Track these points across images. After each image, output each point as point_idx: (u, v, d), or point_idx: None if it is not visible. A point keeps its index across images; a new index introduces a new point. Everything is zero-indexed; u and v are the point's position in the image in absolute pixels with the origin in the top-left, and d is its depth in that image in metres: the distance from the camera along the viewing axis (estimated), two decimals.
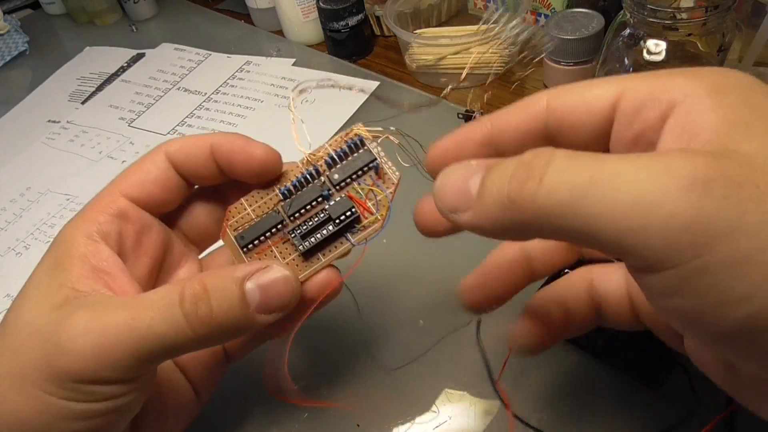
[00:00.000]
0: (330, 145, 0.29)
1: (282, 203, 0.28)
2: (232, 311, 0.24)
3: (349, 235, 0.28)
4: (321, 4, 0.64)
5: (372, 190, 0.28)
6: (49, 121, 0.67)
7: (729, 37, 0.43)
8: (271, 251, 0.28)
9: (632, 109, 0.20)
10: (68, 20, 0.87)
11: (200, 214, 0.31)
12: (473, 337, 0.32)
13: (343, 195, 0.28)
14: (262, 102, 0.63)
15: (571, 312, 0.27)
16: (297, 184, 0.28)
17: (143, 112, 0.66)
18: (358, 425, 0.35)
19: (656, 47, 0.45)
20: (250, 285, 0.24)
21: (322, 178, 0.28)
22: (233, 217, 0.29)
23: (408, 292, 0.41)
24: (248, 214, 0.28)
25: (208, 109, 0.64)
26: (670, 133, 0.18)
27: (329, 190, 0.28)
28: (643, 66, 0.46)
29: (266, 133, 0.59)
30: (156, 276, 0.29)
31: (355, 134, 0.28)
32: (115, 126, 0.65)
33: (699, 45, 0.44)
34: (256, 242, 0.28)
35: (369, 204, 0.28)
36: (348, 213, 0.27)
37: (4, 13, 0.84)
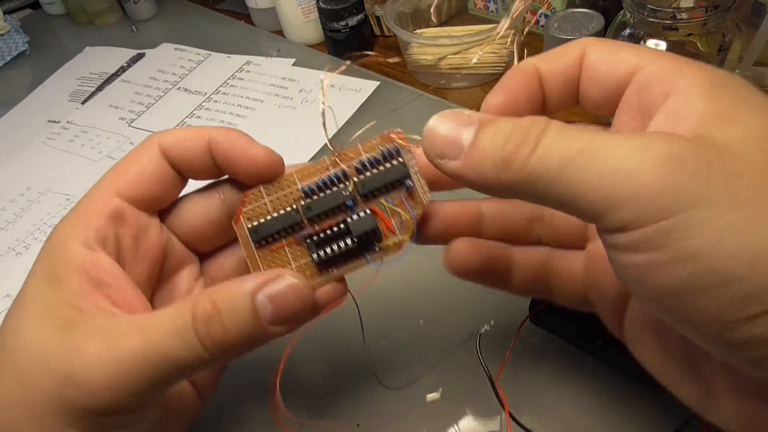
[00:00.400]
0: (363, 148, 0.26)
1: (302, 201, 0.26)
2: (246, 327, 0.23)
3: (366, 253, 0.26)
4: (321, 4, 0.64)
5: (399, 212, 0.26)
6: (49, 121, 0.67)
7: (729, 37, 0.43)
8: (284, 251, 0.26)
9: (645, 81, 0.21)
10: (68, 20, 0.87)
11: (196, 216, 0.29)
12: (473, 349, 0.32)
13: (367, 210, 0.26)
14: (262, 102, 0.63)
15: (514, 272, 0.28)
16: (322, 185, 0.26)
17: (143, 112, 0.66)
18: (357, 425, 0.35)
19: (656, 47, 0.45)
20: (260, 298, 0.23)
21: (349, 185, 0.26)
22: (249, 204, 0.27)
23: (409, 295, 0.41)
24: (265, 204, 0.27)
25: (208, 109, 0.64)
26: (664, 112, 0.20)
27: (354, 199, 0.26)
28: None
29: (266, 133, 0.60)
30: (156, 280, 0.28)
31: (392, 143, 0.26)
32: (115, 126, 0.65)
33: (699, 45, 0.44)
34: (269, 239, 0.26)
35: (393, 222, 0.26)
36: (370, 233, 0.25)
37: (4, 13, 0.84)
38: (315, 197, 0.26)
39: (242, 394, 0.38)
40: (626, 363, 0.33)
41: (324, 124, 0.26)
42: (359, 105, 0.59)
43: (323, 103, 0.27)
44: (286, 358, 0.28)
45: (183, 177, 0.28)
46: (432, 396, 0.35)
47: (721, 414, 0.22)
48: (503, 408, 0.29)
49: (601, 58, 0.23)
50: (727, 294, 0.17)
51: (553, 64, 0.24)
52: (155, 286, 0.29)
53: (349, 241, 0.26)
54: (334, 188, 0.26)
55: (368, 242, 0.26)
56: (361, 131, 0.27)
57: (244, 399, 0.37)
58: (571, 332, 0.35)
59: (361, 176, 0.26)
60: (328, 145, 0.26)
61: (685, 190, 0.17)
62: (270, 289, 0.23)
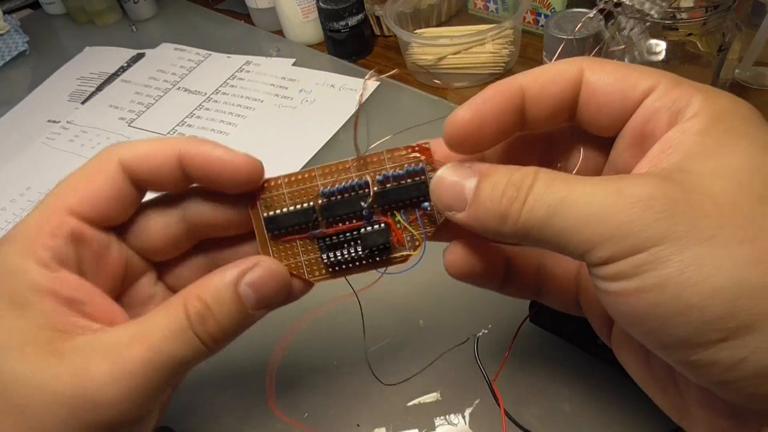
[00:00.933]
0: (390, 158, 0.26)
1: (320, 200, 0.27)
2: (234, 317, 0.24)
3: (373, 261, 0.27)
4: (321, 4, 0.64)
5: (408, 228, 0.27)
6: (49, 121, 0.67)
7: (729, 37, 0.43)
8: (296, 244, 0.27)
9: (654, 108, 0.22)
10: (68, 20, 0.87)
11: (155, 232, 0.28)
12: (471, 353, 0.32)
13: (382, 224, 0.26)
14: (262, 102, 0.63)
15: (511, 268, 0.28)
16: (343, 190, 0.26)
17: (143, 112, 0.66)
18: (358, 425, 0.35)
19: (656, 47, 0.45)
20: (242, 287, 0.24)
21: (369, 194, 0.26)
22: (268, 192, 0.27)
23: (411, 296, 0.41)
24: (282, 194, 0.27)
25: (208, 109, 0.64)
26: (660, 144, 0.22)
27: (372, 211, 0.26)
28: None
29: (266, 133, 0.60)
30: (117, 291, 0.28)
31: (419, 160, 0.26)
32: (115, 126, 0.65)
33: (699, 45, 0.44)
34: (283, 231, 0.27)
35: (404, 236, 0.27)
36: (381, 247, 0.26)
37: (4, 13, 0.84)
38: (333, 199, 0.26)
39: (242, 390, 0.38)
40: None
41: (356, 128, 0.27)
42: (359, 105, 0.59)
43: (359, 108, 0.28)
44: (282, 354, 0.28)
45: (141, 191, 0.27)
46: (431, 396, 0.35)
47: (695, 428, 0.23)
48: (500, 408, 0.29)
49: (610, 84, 0.23)
50: (689, 321, 0.18)
51: (544, 85, 0.24)
52: (117, 296, 0.28)
53: (359, 249, 0.27)
54: (354, 194, 0.26)
55: (377, 253, 0.27)
56: (387, 138, 0.27)
57: (245, 398, 0.37)
58: (571, 332, 0.35)
59: (383, 186, 0.26)
60: (356, 148, 0.26)
61: (652, 229, 0.19)
62: (250, 277, 0.24)
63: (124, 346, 0.22)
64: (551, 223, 0.20)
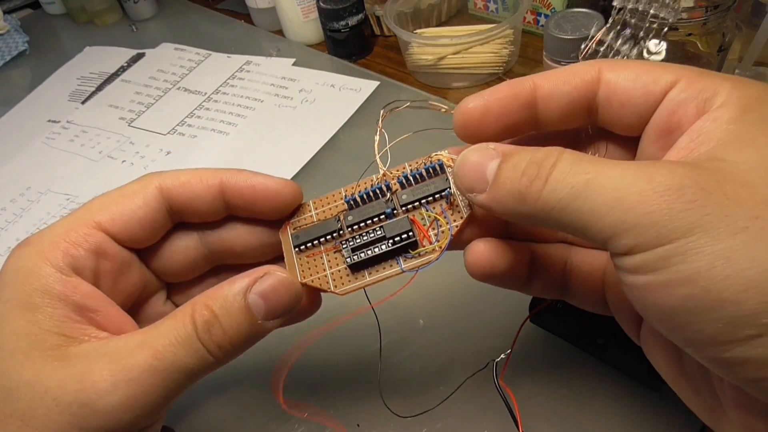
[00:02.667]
0: (409, 165, 0.27)
1: (345, 212, 0.27)
2: (243, 327, 0.24)
3: (400, 259, 0.26)
4: (321, 4, 0.64)
5: (437, 218, 0.26)
6: (49, 120, 0.67)
7: (729, 37, 0.43)
8: (321, 258, 0.27)
9: (680, 100, 0.22)
10: (68, 20, 0.87)
11: (176, 255, 0.28)
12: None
13: (406, 217, 0.26)
14: (262, 102, 0.63)
15: (537, 269, 0.27)
16: (365, 195, 0.27)
17: (143, 111, 0.66)
18: (358, 425, 0.35)
19: (656, 47, 0.45)
20: (252, 297, 0.24)
21: (391, 197, 0.27)
22: (297, 216, 0.28)
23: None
24: (311, 216, 0.28)
25: (208, 108, 0.64)
26: (690, 133, 0.21)
27: (394, 208, 0.26)
28: None
29: (266, 132, 0.60)
30: (129, 307, 0.28)
31: (436, 159, 0.26)
32: (115, 126, 0.65)
33: (699, 45, 0.44)
34: (309, 245, 0.27)
35: (431, 233, 0.26)
36: (404, 235, 0.26)
37: (4, 12, 0.84)
38: (356, 204, 0.27)
39: (244, 391, 0.38)
40: (626, 363, 0.33)
41: (377, 148, 0.27)
42: (359, 105, 0.59)
43: (377, 138, 0.27)
44: (296, 357, 0.28)
45: (174, 219, 0.27)
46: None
47: (728, 430, 0.22)
48: (505, 402, 0.29)
49: (631, 81, 0.23)
50: (721, 316, 0.17)
51: (558, 85, 0.24)
52: (128, 311, 0.28)
53: (384, 246, 0.26)
54: (377, 199, 0.27)
55: (403, 248, 0.26)
56: (406, 136, 0.28)
57: (247, 398, 0.37)
58: (571, 332, 0.35)
59: (404, 189, 0.27)
60: (378, 164, 0.27)
61: (682, 219, 0.18)
62: (259, 287, 0.24)
63: (128, 352, 0.22)
64: (574, 205, 0.19)
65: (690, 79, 0.22)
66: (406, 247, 0.26)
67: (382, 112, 0.28)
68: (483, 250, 0.26)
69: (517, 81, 0.24)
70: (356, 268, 0.26)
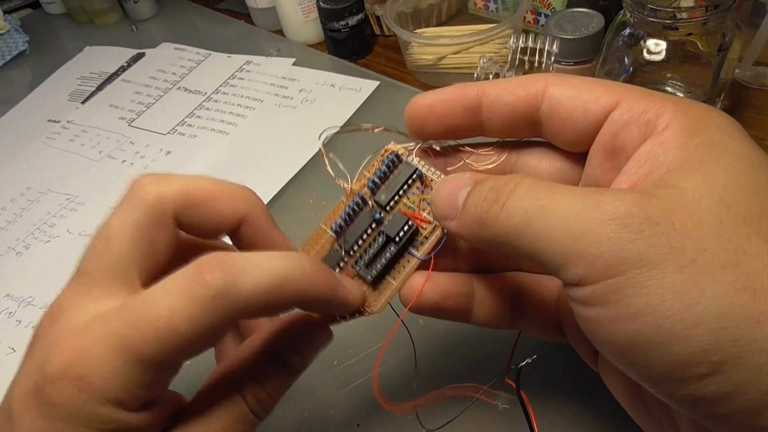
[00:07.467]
0: (368, 171, 0.28)
1: (337, 241, 0.27)
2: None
3: (413, 250, 0.26)
4: (321, 3, 0.64)
5: (424, 199, 0.26)
6: (49, 120, 0.67)
7: (729, 37, 0.43)
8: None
9: (622, 122, 0.22)
10: (68, 20, 0.87)
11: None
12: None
13: (395, 214, 0.26)
14: (262, 102, 0.63)
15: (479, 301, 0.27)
16: (346, 218, 0.27)
17: (143, 111, 0.66)
18: (358, 425, 0.35)
19: (656, 47, 0.45)
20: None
21: (370, 204, 0.27)
22: None
23: None
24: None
25: (208, 108, 0.64)
26: (636, 160, 0.21)
27: (380, 213, 0.27)
28: (643, 65, 0.46)
29: (266, 133, 0.60)
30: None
31: (390, 152, 0.27)
32: (115, 126, 0.65)
33: (699, 45, 0.44)
34: None
35: (424, 214, 0.26)
36: (405, 228, 0.26)
37: (4, 12, 0.84)
38: (346, 230, 0.27)
39: None
40: None
41: (329, 170, 0.27)
42: (359, 105, 0.59)
43: (325, 159, 0.28)
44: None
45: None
46: None
47: None
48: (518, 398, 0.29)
49: (573, 98, 0.23)
50: (672, 352, 0.17)
51: (502, 94, 0.24)
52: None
53: (392, 247, 0.26)
54: (359, 214, 0.27)
55: (410, 240, 0.26)
56: (364, 162, 0.28)
57: None
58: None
59: (377, 192, 0.27)
60: (339, 184, 0.27)
61: (629, 250, 0.17)
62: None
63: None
64: (528, 231, 0.19)
65: (632, 99, 0.21)
66: (412, 237, 0.26)
67: (320, 140, 0.28)
68: (417, 287, 0.25)
69: (466, 85, 0.25)
70: (377, 280, 0.26)
